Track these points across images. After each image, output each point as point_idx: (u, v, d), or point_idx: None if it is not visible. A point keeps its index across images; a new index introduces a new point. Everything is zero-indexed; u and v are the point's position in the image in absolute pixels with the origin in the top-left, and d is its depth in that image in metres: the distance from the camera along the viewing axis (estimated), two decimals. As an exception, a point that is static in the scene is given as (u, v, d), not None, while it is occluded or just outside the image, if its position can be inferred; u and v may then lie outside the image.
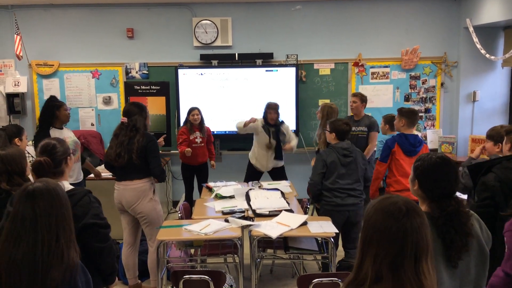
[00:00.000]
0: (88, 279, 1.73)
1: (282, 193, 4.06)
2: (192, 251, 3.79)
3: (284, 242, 3.50)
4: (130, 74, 6.03)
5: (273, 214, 3.48)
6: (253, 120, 4.91)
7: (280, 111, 5.07)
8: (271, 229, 3.18)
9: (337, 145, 3.72)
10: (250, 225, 3.26)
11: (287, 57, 5.98)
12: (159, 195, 3.98)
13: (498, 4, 5.13)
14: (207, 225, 3.23)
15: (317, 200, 3.79)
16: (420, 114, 5.90)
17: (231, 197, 4.00)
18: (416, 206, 1.34)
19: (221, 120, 5.88)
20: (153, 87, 5.89)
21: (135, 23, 5.98)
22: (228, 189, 4.17)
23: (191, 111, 5.04)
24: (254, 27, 6.01)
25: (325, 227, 3.21)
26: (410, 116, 3.97)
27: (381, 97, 6.12)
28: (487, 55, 5.42)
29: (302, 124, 5.97)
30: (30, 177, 2.56)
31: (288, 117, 5.46)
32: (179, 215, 3.80)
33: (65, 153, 2.30)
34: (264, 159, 5.02)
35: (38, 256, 1.55)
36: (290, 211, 3.56)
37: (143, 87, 5.90)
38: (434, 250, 1.69)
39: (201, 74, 5.88)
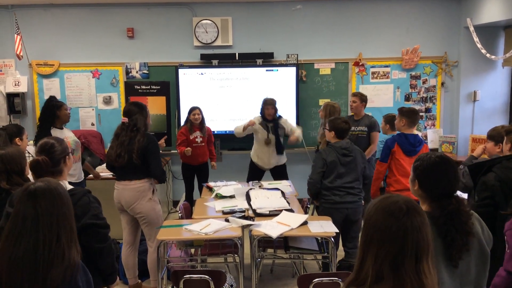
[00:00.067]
0: (89, 279, 1.73)
1: (283, 192, 4.06)
2: (193, 250, 3.79)
3: (284, 242, 3.50)
4: (130, 74, 6.03)
5: (273, 214, 3.48)
6: (251, 123, 4.92)
7: (281, 110, 5.08)
8: (271, 228, 3.18)
9: (337, 144, 3.72)
10: (251, 224, 3.26)
11: (288, 57, 5.98)
12: (159, 195, 3.98)
13: (498, 3, 5.12)
14: (208, 224, 3.22)
15: (316, 198, 3.80)
16: (421, 114, 5.90)
17: (232, 196, 4.00)
18: (417, 206, 1.34)
19: (221, 120, 5.88)
20: (154, 87, 5.89)
21: (135, 23, 5.98)
22: (229, 189, 4.17)
23: (192, 110, 5.04)
24: (255, 27, 6.00)
25: (325, 227, 3.21)
26: (410, 116, 3.97)
27: (382, 97, 6.12)
28: (488, 55, 5.42)
29: (302, 124, 5.96)
30: (30, 176, 2.56)
31: (288, 117, 5.45)
32: (179, 214, 3.80)
33: (64, 152, 2.30)
34: (265, 156, 5.02)
35: (39, 255, 1.55)
36: (291, 210, 3.56)
37: (144, 87, 5.90)
38: (434, 250, 1.69)
39: (202, 73, 5.88)
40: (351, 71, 6.07)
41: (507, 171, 2.63)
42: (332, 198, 3.66)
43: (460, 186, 2.99)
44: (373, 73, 6.10)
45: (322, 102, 5.98)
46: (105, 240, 2.23)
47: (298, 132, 5.03)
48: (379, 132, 4.82)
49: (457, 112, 6.09)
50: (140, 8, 5.95)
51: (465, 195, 3.19)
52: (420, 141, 3.97)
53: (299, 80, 5.90)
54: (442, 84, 6.12)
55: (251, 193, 4.02)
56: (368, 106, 5.33)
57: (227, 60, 5.93)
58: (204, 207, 3.80)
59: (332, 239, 3.14)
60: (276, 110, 4.97)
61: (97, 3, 5.87)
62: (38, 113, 5.57)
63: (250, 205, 3.73)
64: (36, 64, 5.96)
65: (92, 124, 6.10)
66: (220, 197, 4.03)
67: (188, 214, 3.85)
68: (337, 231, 3.20)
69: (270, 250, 3.78)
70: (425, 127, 6.19)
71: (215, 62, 5.92)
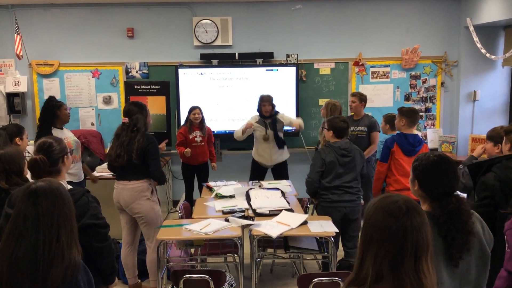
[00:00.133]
0: (90, 279, 1.73)
1: (282, 192, 4.06)
2: (192, 250, 3.79)
3: (284, 242, 3.50)
4: (130, 74, 6.03)
5: (273, 214, 3.48)
6: (249, 125, 4.93)
7: (281, 110, 5.08)
8: (271, 228, 3.18)
9: (336, 144, 3.71)
10: (250, 224, 3.26)
11: (287, 57, 5.98)
12: (159, 195, 3.98)
13: (498, 3, 5.12)
14: (207, 224, 3.23)
15: (314, 197, 3.79)
16: (421, 114, 5.90)
17: (231, 196, 4.00)
18: (417, 205, 1.34)
19: (221, 119, 5.88)
20: (153, 87, 5.89)
21: (135, 23, 5.98)
22: (228, 189, 4.17)
23: (192, 109, 5.04)
24: (254, 27, 6.00)
25: (325, 227, 3.21)
26: (410, 116, 3.97)
27: (382, 97, 6.12)
28: (488, 55, 5.42)
29: (302, 124, 5.97)
30: (28, 176, 2.56)
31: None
32: (179, 214, 3.80)
33: (62, 151, 2.29)
34: (266, 153, 5.02)
35: (39, 255, 1.56)
36: (290, 210, 3.56)
37: (143, 87, 5.90)
38: (435, 249, 1.69)
39: (201, 73, 5.88)
40: (351, 71, 6.07)
41: (506, 170, 2.63)
42: (329, 197, 3.66)
43: (460, 186, 2.99)
44: (373, 73, 6.10)
45: (322, 102, 5.99)
46: (105, 240, 2.23)
47: (298, 120, 5.03)
48: (379, 132, 4.82)
49: (457, 112, 6.10)
50: (140, 8, 5.95)
51: (464, 195, 3.20)
52: (420, 141, 3.97)
53: (299, 80, 5.90)
54: (442, 84, 6.12)
55: (251, 193, 4.02)
56: (368, 106, 5.33)
57: (227, 60, 5.93)
58: (204, 207, 3.80)
59: (332, 239, 3.14)
60: (273, 106, 4.97)
61: (97, 3, 5.87)
62: (38, 113, 5.57)
63: (250, 205, 3.73)
64: (36, 64, 5.96)
65: (92, 124, 6.10)
66: (220, 197, 4.03)
67: (188, 214, 3.85)
68: (337, 230, 3.19)
69: (270, 250, 3.78)
70: (425, 127, 6.19)
71: (215, 62, 5.92)
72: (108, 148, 3.72)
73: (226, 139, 5.97)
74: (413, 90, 6.14)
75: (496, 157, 2.82)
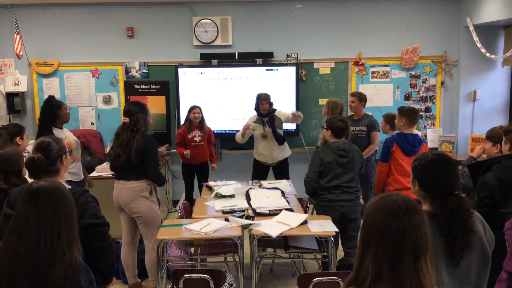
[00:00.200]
0: (91, 278, 1.73)
1: (282, 192, 4.06)
2: (192, 250, 3.79)
3: (284, 241, 3.50)
4: (130, 73, 6.03)
5: (273, 213, 3.48)
6: (246, 128, 4.93)
7: (279, 108, 5.08)
8: (271, 228, 3.17)
9: (334, 144, 3.70)
10: (250, 224, 3.26)
11: (287, 56, 5.97)
12: (159, 195, 3.98)
13: (498, 3, 5.12)
14: (207, 224, 3.22)
15: (312, 197, 3.79)
16: (420, 113, 5.90)
17: (231, 196, 4.00)
18: (416, 204, 1.34)
19: (221, 119, 5.88)
20: (153, 86, 5.89)
21: (135, 22, 5.98)
22: (228, 188, 4.16)
23: (192, 109, 5.04)
24: (254, 26, 6.00)
25: (325, 226, 3.21)
26: (410, 115, 3.96)
27: (381, 96, 6.12)
28: (487, 54, 5.42)
29: (302, 123, 5.95)
30: (27, 177, 2.56)
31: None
32: (179, 214, 3.80)
33: (61, 151, 2.28)
34: (267, 151, 5.01)
35: (41, 253, 1.56)
36: (290, 210, 3.55)
37: (143, 86, 5.90)
38: (435, 249, 1.69)
39: (201, 73, 5.87)
40: (351, 71, 6.07)
41: (506, 170, 2.62)
42: (327, 197, 3.66)
43: (459, 187, 2.99)
44: (372, 72, 6.10)
45: (322, 101, 6.00)
46: (106, 239, 2.22)
47: (297, 112, 5.01)
48: (379, 131, 4.82)
49: (456, 112, 6.10)
50: (139, 7, 5.95)
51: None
52: (419, 141, 3.97)
53: (298, 80, 5.90)
54: (442, 83, 6.12)
55: (251, 192, 4.01)
56: (368, 106, 5.33)
57: (227, 59, 5.93)
58: (204, 207, 3.80)
59: (332, 239, 3.14)
60: (270, 104, 4.97)
61: (97, 3, 5.86)
62: (37, 112, 5.57)
63: (250, 204, 3.72)
64: (35, 64, 5.96)
65: (92, 124, 6.10)
66: (220, 196, 4.03)
67: (188, 213, 3.85)
68: (337, 230, 3.19)
69: (270, 250, 3.77)
70: (425, 127, 6.19)
71: (214, 61, 5.92)
72: (109, 148, 3.73)
73: (226, 139, 5.97)
74: (413, 90, 6.13)
75: (496, 157, 2.82)
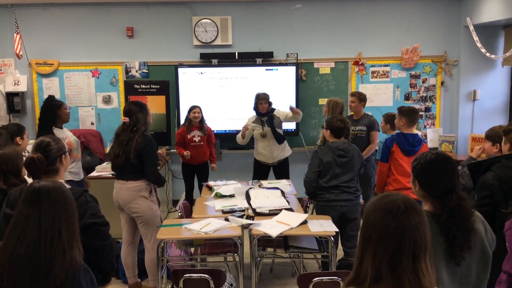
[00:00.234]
0: (92, 278, 1.72)
1: (282, 192, 4.06)
2: (192, 250, 3.79)
3: (284, 241, 3.50)
4: (130, 73, 6.03)
5: (273, 213, 3.48)
6: (245, 129, 4.93)
7: (279, 107, 5.08)
8: (271, 228, 3.18)
9: (333, 144, 3.71)
10: (250, 224, 3.26)
11: (287, 56, 5.97)
12: (159, 194, 3.98)
13: (498, 2, 5.12)
14: (207, 224, 3.22)
15: (312, 197, 3.79)
16: (420, 113, 5.90)
17: (231, 196, 4.00)
18: (416, 204, 1.34)
19: (221, 119, 5.88)
20: (153, 86, 5.89)
21: (134, 22, 5.97)
22: (228, 188, 4.16)
23: (192, 108, 5.04)
24: (254, 26, 6.00)
25: (325, 226, 3.21)
26: (410, 115, 3.96)
27: (381, 96, 6.12)
28: (487, 54, 5.42)
29: (302, 123, 5.96)
30: (26, 177, 2.55)
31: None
32: (179, 214, 3.80)
33: (60, 151, 2.27)
34: (267, 150, 5.01)
35: (41, 253, 1.55)
36: (290, 210, 3.55)
37: (143, 86, 5.89)
38: (436, 249, 1.69)
39: (201, 73, 5.87)
40: (351, 70, 6.07)
41: (506, 170, 2.62)
42: (326, 197, 3.66)
43: (460, 185, 2.99)
44: (372, 72, 6.10)
45: (322, 101, 6.00)
46: (106, 238, 2.22)
47: (296, 109, 5.00)
48: (379, 131, 4.82)
49: (456, 111, 6.10)
50: (139, 7, 5.95)
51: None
52: (419, 141, 3.97)
53: (298, 80, 5.90)
54: (442, 83, 6.12)
55: (251, 192, 4.02)
56: (368, 105, 5.33)
57: (227, 59, 5.93)
58: (204, 206, 3.80)
59: (332, 238, 3.14)
60: (269, 104, 4.97)
61: (97, 2, 5.86)
62: (37, 112, 5.57)
63: (249, 204, 3.72)
64: (35, 64, 5.96)
65: (92, 124, 6.10)
66: (220, 196, 4.03)
67: (188, 213, 3.85)
68: (337, 230, 3.20)
69: (269, 249, 3.77)
70: (425, 126, 6.19)
71: (214, 61, 5.92)
72: (109, 148, 3.73)
73: (226, 139, 5.97)
74: (413, 90, 6.14)
75: (496, 156, 2.82)
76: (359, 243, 1.35)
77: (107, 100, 6.06)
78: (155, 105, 5.83)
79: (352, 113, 4.98)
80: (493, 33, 5.77)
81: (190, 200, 4.83)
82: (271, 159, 5.03)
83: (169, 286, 3.08)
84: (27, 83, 5.95)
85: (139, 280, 3.81)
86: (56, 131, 4.02)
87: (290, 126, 5.81)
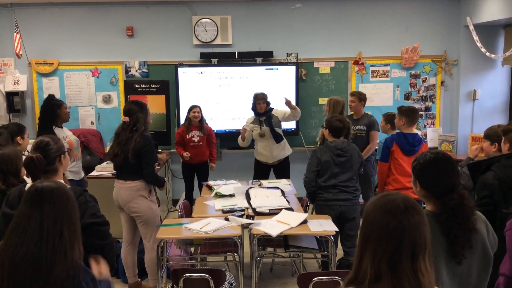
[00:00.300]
0: (93, 276, 1.72)
1: (282, 191, 4.06)
2: (192, 249, 3.79)
3: (284, 241, 3.50)
4: (130, 73, 6.03)
5: (273, 213, 3.48)
6: (244, 130, 4.93)
7: (278, 107, 5.08)
8: (271, 227, 3.18)
9: (332, 143, 3.71)
10: (250, 223, 3.26)
11: (287, 56, 5.97)
12: (159, 194, 3.98)
13: (498, 2, 5.12)
14: (207, 223, 3.23)
15: (313, 197, 3.78)
16: (420, 113, 5.90)
17: (231, 195, 4.00)
18: (415, 204, 1.34)
19: (221, 118, 5.88)
20: (153, 86, 5.89)
21: (134, 22, 5.97)
22: (228, 188, 4.16)
23: (192, 108, 5.05)
24: (254, 26, 6.00)
25: (325, 226, 3.21)
26: (410, 115, 3.96)
27: (381, 96, 6.12)
28: (487, 54, 5.42)
29: (302, 123, 5.97)
30: (25, 177, 2.55)
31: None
32: (179, 213, 3.80)
33: (59, 150, 2.27)
34: (266, 150, 5.00)
35: (43, 252, 1.55)
36: (290, 209, 3.55)
37: (143, 86, 5.89)
38: (436, 249, 1.69)
39: (201, 72, 5.87)
40: (351, 70, 6.07)
41: (506, 169, 2.63)
42: (325, 196, 3.67)
43: (460, 184, 2.98)
44: (372, 72, 6.10)
45: (321, 100, 6.00)
46: (107, 238, 2.22)
47: (293, 105, 4.96)
48: (378, 131, 4.82)
49: (456, 111, 6.10)
50: (139, 6, 5.94)
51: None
52: (419, 140, 3.97)
53: (298, 79, 5.90)
54: (442, 83, 6.12)
55: (251, 192, 4.02)
56: (368, 105, 5.33)
57: (227, 59, 5.93)
58: (204, 206, 3.80)
59: (332, 238, 3.14)
60: (267, 103, 4.96)
61: (96, 2, 5.86)
62: (37, 112, 5.57)
63: (249, 204, 3.73)
64: (35, 63, 5.96)
65: (92, 123, 6.09)
66: (220, 196, 4.03)
67: (188, 212, 3.85)
68: (337, 229, 3.20)
69: (269, 249, 3.78)
70: (425, 126, 6.19)
71: (214, 61, 5.92)
72: (109, 147, 3.73)
73: (225, 138, 5.97)
74: (413, 89, 6.13)
75: (495, 156, 2.82)
76: (359, 243, 1.35)
77: (107, 100, 6.06)
78: (155, 104, 5.83)
79: (352, 112, 4.98)
80: (493, 33, 5.77)
81: (190, 199, 4.83)
82: (271, 159, 5.02)
83: (169, 286, 3.07)
84: (27, 83, 5.95)
85: (139, 279, 3.81)
86: (57, 130, 4.03)
87: (290, 125, 5.81)
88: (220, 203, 3.78)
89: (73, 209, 1.66)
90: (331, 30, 6.02)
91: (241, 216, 3.39)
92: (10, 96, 5.89)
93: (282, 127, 5.16)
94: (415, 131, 4.06)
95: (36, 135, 4.23)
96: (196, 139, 5.02)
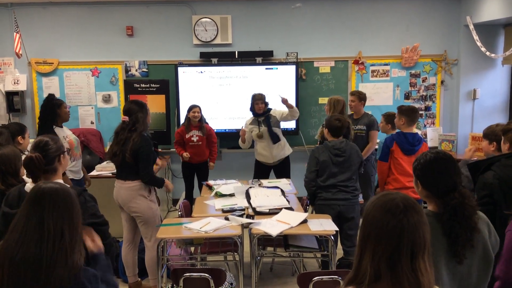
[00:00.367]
0: (95, 273, 1.71)
1: (282, 191, 4.06)
2: (192, 249, 3.79)
3: (284, 240, 3.50)
4: (129, 72, 6.02)
5: (273, 212, 3.48)
6: (243, 134, 4.92)
7: (278, 107, 5.08)
8: (271, 227, 3.18)
9: (330, 143, 3.72)
10: (250, 223, 3.26)
11: (287, 55, 5.97)
12: (159, 194, 3.98)
13: (498, 1, 5.12)
14: (207, 223, 3.23)
15: (313, 198, 3.78)
16: (420, 112, 5.90)
17: (231, 195, 4.00)
18: (415, 203, 1.34)
19: (221, 118, 5.88)
20: (153, 85, 5.89)
21: (134, 21, 5.97)
22: (228, 187, 4.16)
23: (192, 108, 5.04)
24: (254, 25, 6.00)
25: (325, 225, 3.21)
26: (410, 114, 3.96)
27: (381, 95, 6.12)
28: (487, 53, 5.41)
29: (302, 122, 5.97)
30: (25, 177, 2.54)
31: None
32: (179, 213, 3.80)
33: (58, 150, 2.26)
34: (266, 150, 4.99)
35: (43, 253, 1.55)
36: (290, 209, 3.56)
37: (143, 85, 5.89)
38: (437, 250, 1.69)
39: (201, 72, 5.87)
40: (351, 69, 6.07)
41: (506, 169, 2.62)
42: (323, 195, 3.67)
43: (461, 183, 2.98)
44: (372, 71, 6.10)
45: (321, 100, 6.00)
46: (106, 238, 2.22)
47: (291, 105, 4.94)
48: (378, 131, 4.81)
49: (456, 110, 6.09)
50: (139, 6, 5.94)
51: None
52: (419, 140, 3.97)
53: (298, 79, 5.90)
54: (442, 82, 6.12)
55: (251, 191, 4.02)
56: (368, 105, 5.33)
57: (227, 58, 5.93)
58: (204, 206, 3.80)
59: (332, 237, 3.14)
60: (266, 104, 4.96)
61: (96, 1, 5.86)
62: (37, 111, 5.56)
63: (249, 203, 3.73)
64: (35, 63, 5.95)
65: (92, 123, 6.09)
66: (220, 195, 4.03)
67: (188, 212, 3.86)
68: (337, 229, 3.20)
69: (270, 248, 3.78)
70: (425, 125, 6.19)
71: (214, 60, 5.92)
72: (108, 146, 3.73)
73: (225, 138, 5.97)
74: (413, 89, 6.13)
75: (495, 156, 2.82)
76: (359, 242, 1.35)
77: (107, 99, 6.06)
78: (155, 104, 5.84)
79: (352, 112, 4.98)
80: (493, 32, 5.76)
81: (190, 199, 4.83)
82: (271, 159, 5.01)
83: (169, 285, 3.08)
84: (26, 82, 5.95)
85: (139, 279, 3.81)
86: (57, 130, 4.03)
87: (290, 125, 5.80)
88: (220, 203, 3.78)
89: (75, 211, 1.66)
90: (331, 29, 6.02)
91: (241, 215, 3.39)
92: (10, 95, 5.88)
93: (282, 127, 5.16)
94: (415, 130, 4.06)
95: (36, 135, 4.23)
96: (195, 138, 5.02)
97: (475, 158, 3.61)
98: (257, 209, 3.55)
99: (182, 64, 5.88)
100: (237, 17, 5.97)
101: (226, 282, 2.96)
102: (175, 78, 5.82)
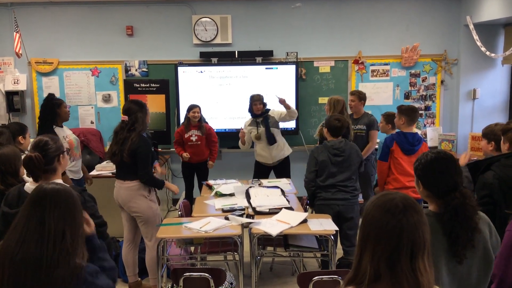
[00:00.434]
0: (96, 269, 1.70)
1: (282, 190, 4.06)
2: (192, 248, 3.79)
3: (284, 240, 3.51)
4: (129, 72, 6.02)
5: (273, 212, 3.48)
6: (242, 136, 4.92)
7: (278, 107, 5.07)
8: (271, 226, 3.18)
9: (329, 143, 3.72)
10: (250, 222, 3.26)
11: (287, 55, 5.97)
12: (159, 193, 3.97)
13: (498, 1, 5.12)
14: (207, 222, 3.23)
15: (313, 198, 3.78)
16: (420, 112, 5.90)
17: (231, 195, 4.00)
18: (414, 203, 1.34)
19: (221, 118, 5.88)
20: (153, 85, 5.89)
21: (134, 21, 5.97)
22: (228, 187, 4.17)
23: (192, 108, 5.04)
24: (254, 25, 6.00)
25: (325, 225, 3.21)
26: (409, 114, 3.96)
27: (381, 95, 6.12)
28: (487, 53, 5.41)
29: (302, 122, 5.97)
30: (25, 177, 2.54)
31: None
32: (179, 213, 3.81)
33: (58, 150, 2.26)
34: (265, 151, 4.99)
35: (44, 253, 1.54)
36: (290, 208, 3.56)
37: (143, 85, 5.89)
38: (438, 249, 1.69)
39: (201, 71, 5.87)
40: (351, 69, 6.07)
41: (505, 169, 2.62)
42: (323, 195, 3.68)
43: (462, 183, 2.97)
44: (372, 71, 6.10)
45: (321, 100, 6.00)
46: (104, 238, 2.22)
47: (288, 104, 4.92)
48: (378, 130, 4.81)
49: (456, 110, 6.09)
50: (139, 6, 5.94)
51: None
52: (419, 140, 3.96)
53: (298, 78, 5.90)
54: (442, 82, 6.12)
55: (251, 191, 4.02)
56: (368, 104, 5.33)
57: (227, 58, 5.93)
58: (203, 205, 3.80)
59: (332, 237, 3.14)
60: (264, 105, 4.95)
61: (96, 1, 5.86)
62: (37, 111, 5.56)
63: (249, 203, 3.73)
64: (35, 62, 5.95)
65: (92, 122, 6.09)
66: (219, 195, 4.03)
67: (187, 212, 3.86)
68: (337, 229, 3.20)
69: (269, 248, 3.78)
70: (425, 125, 6.19)
71: (214, 60, 5.92)
72: (108, 146, 3.73)
73: (225, 138, 5.96)
74: (412, 88, 6.13)
75: (495, 156, 2.82)
76: (358, 242, 1.35)
77: (106, 99, 6.06)
78: (155, 104, 5.84)
79: (352, 112, 4.98)
80: (493, 32, 5.76)
81: (190, 199, 4.83)
82: (270, 160, 5.00)
83: (169, 285, 3.08)
84: (26, 82, 5.95)
85: (139, 279, 3.81)
86: (57, 129, 4.02)
87: (290, 125, 5.80)
88: (220, 203, 3.79)
89: (77, 212, 1.66)
90: (331, 29, 6.02)
91: (241, 215, 3.39)
92: (10, 95, 5.88)
93: (282, 127, 5.15)
94: (415, 130, 4.06)
95: (36, 135, 4.23)
96: (194, 138, 5.02)
97: (475, 158, 3.61)
98: (257, 209, 3.55)
99: (182, 64, 5.88)
100: (237, 17, 5.97)
101: (226, 282, 2.96)
102: (175, 78, 5.82)
